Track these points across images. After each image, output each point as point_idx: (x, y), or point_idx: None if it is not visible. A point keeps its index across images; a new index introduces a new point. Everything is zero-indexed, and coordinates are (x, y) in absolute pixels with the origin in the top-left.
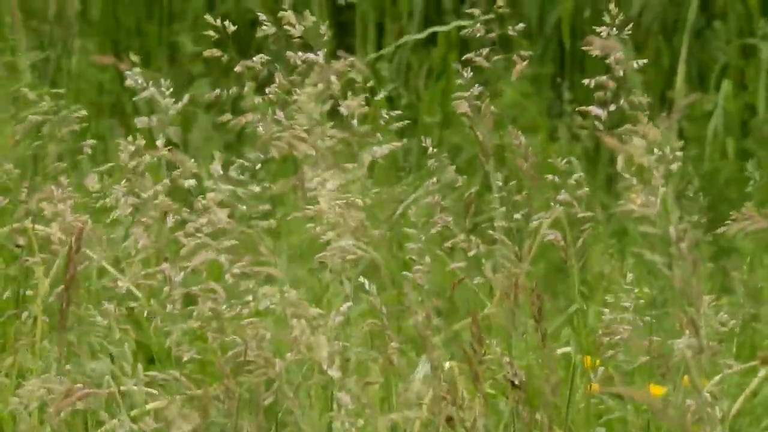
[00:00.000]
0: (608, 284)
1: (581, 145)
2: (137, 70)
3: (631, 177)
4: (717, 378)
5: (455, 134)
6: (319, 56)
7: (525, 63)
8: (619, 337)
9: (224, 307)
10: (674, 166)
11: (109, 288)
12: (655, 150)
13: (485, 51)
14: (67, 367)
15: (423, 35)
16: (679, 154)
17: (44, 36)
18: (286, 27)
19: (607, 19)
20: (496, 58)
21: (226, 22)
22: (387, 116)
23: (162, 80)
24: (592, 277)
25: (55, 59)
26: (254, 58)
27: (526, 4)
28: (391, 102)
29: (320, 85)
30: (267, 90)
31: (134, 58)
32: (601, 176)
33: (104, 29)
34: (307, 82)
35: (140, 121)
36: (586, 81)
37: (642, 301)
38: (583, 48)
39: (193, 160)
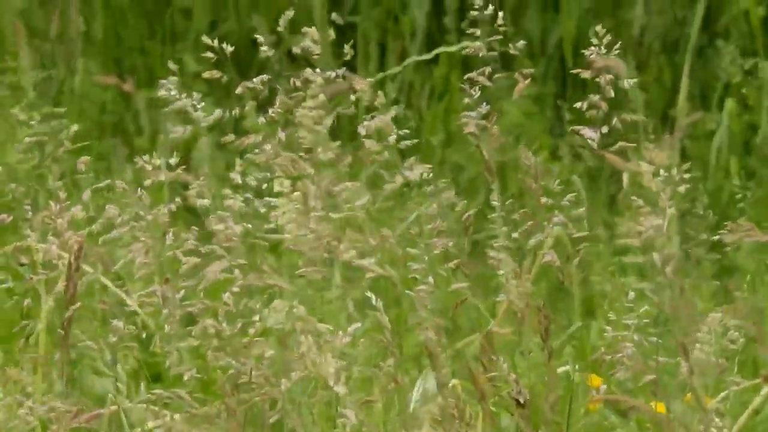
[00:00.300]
0: (610, 302)
1: (584, 163)
2: (173, 79)
3: (638, 198)
4: (720, 396)
5: (458, 153)
6: (324, 74)
7: (527, 82)
8: (620, 354)
9: (225, 325)
10: (682, 188)
11: (114, 305)
12: (662, 172)
13: (487, 70)
14: (62, 385)
15: (430, 56)
16: (686, 176)
17: (47, 55)
18: (294, 49)
19: (594, 40)
20: (497, 76)
21: (225, 44)
22: (395, 135)
23: (195, 93)
24: (594, 296)
25: (58, 78)
26: (255, 79)
27: (528, 22)
28: (395, 121)
29: (321, 97)
30: (270, 110)
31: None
32: (604, 195)
33: (107, 48)
34: (309, 93)
35: (176, 131)
36: (578, 104)
37: (645, 320)
38: (574, 72)
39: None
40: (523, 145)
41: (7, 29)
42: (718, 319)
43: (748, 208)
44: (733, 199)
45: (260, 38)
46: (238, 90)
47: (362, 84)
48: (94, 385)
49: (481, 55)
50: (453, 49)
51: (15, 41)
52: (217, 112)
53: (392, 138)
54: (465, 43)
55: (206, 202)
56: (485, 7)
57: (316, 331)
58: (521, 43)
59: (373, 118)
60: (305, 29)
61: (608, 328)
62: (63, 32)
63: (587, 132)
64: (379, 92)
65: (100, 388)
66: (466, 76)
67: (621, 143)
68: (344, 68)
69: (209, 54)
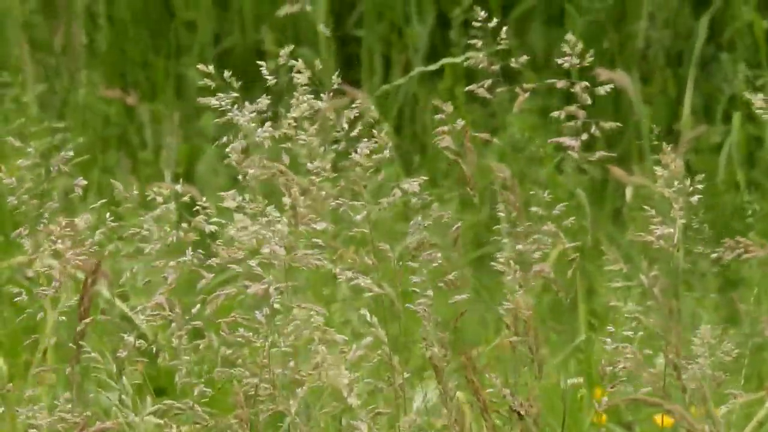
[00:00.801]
0: (615, 315)
1: (588, 176)
2: (232, 93)
3: (647, 209)
4: (724, 408)
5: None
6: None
7: (526, 95)
8: (621, 366)
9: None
10: (695, 199)
11: (120, 319)
12: (676, 183)
13: (488, 83)
14: (66, 395)
15: (435, 67)
16: (699, 186)
17: (50, 68)
18: (295, 74)
19: (566, 49)
20: (499, 90)
21: (226, 73)
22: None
23: (247, 103)
24: (600, 309)
25: (62, 92)
26: (258, 100)
27: (533, 35)
28: (398, 133)
29: (322, 113)
30: (270, 127)
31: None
32: (608, 207)
33: (110, 61)
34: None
35: (234, 149)
36: (555, 114)
37: (641, 334)
38: (547, 81)
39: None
40: (525, 159)
41: (11, 43)
42: (710, 332)
43: (756, 222)
44: (738, 213)
45: (263, 65)
46: (242, 121)
47: (363, 101)
48: (100, 398)
49: (481, 66)
50: (459, 59)
51: (19, 55)
52: (268, 125)
53: (387, 152)
54: (469, 54)
55: (213, 228)
56: (489, 20)
57: (333, 342)
58: (524, 57)
59: (372, 135)
60: (292, 62)
61: (608, 340)
62: (67, 45)
63: (567, 140)
64: (371, 107)
65: (106, 401)
66: (466, 89)
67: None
68: (348, 82)
69: (208, 81)
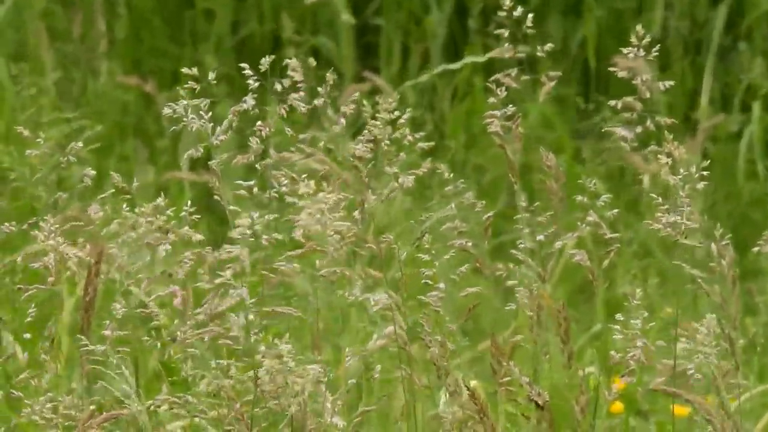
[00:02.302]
0: (630, 305)
1: (605, 165)
2: (182, 102)
3: (657, 196)
4: (742, 397)
5: (479, 155)
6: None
7: (552, 84)
8: (633, 354)
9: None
10: (700, 185)
11: (131, 308)
12: (681, 170)
13: (514, 72)
14: (74, 386)
15: (457, 65)
16: (705, 173)
17: (69, 57)
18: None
19: (634, 39)
20: (524, 78)
21: (247, 70)
22: (411, 138)
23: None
24: (616, 298)
25: (80, 80)
26: (243, 102)
27: (551, 24)
28: (415, 123)
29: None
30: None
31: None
32: (626, 197)
33: (129, 50)
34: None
35: (190, 153)
36: (612, 102)
37: (653, 324)
38: (611, 69)
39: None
40: (543, 147)
41: (29, 31)
42: (714, 322)
43: None
44: (757, 202)
45: (293, 74)
46: (230, 116)
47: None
48: (113, 387)
49: (507, 56)
50: (482, 58)
51: (37, 43)
52: (224, 125)
53: (408, 139)
54: (492, 53)
55: (200, 237)
56: (514, 8)
57: (307, 376)
58: (549, 45)
59: (394, 124)
60: (287, 61)
61: (619, 328)
62: (85, 34)
63: (621, 131)
64: (394, 96)
65: (118, 390)
66: (492, 77)
67: (653, 146)
68: (367, 70)
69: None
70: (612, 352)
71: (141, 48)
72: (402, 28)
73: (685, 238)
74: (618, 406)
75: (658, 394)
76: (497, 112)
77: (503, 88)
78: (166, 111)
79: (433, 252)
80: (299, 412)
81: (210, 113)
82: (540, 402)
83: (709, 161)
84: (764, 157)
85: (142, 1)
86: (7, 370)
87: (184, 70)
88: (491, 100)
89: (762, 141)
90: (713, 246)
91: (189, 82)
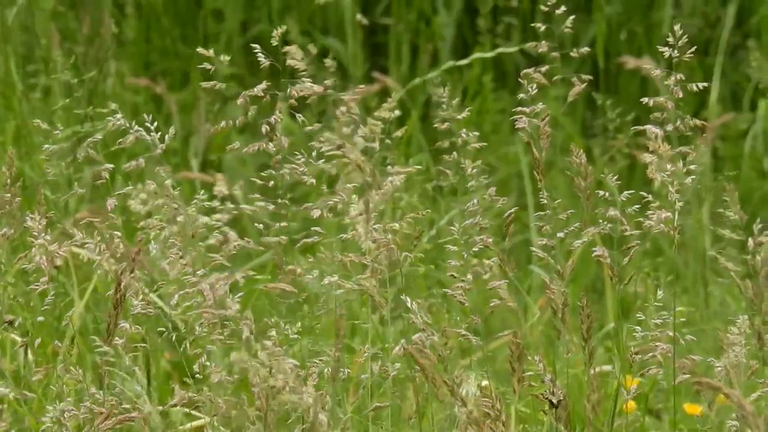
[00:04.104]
0: (642, 304)
1: (616, 164)
2: (118, 115)
3: (651, 194)
4: (754, 395)
5: (490, 154)
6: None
7: (584, 86)
8: (651, 355)
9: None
10: (688, 180)
11: (146, 308)
12: (668, 166)
13: (544, 68)
14: (93, 389)
15: (466, 61)
16: (692, 167)
17: (79, 57)
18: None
19: (670, 39)
20: (556, 78)
21: (260, 55)
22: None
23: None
24: (628, 297)
25: (90, 81)
26: (255, 88)
27: (560, 23)
28: (424, 122)
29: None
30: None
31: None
32: (636, 196)
33: (138, 51)
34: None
35: (128, 165)
36: (645, 100)
37: (679, 320)
38: (644, 67)
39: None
40: (573, 144)
41: (39, 31)
42: (747, 322)
43: None
44: (765, 200)
45: (291, 48)
46: (239, 101)
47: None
48: (126, 387)
49: (540, 51)
50: (490, 54)
51: (47, 44)
52: (171, 133)
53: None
54: (501, 49)
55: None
56: (556, 6)
57: (284, 371)
58: (585, 49)
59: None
60: (287, 48)
61: (638, 328)
62: (95, 34)
63: (652, 129)
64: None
65: (132, 390)
66: (523, 71)
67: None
68: (377, 70)
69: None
70: (632, 350)
71: (151, 49)
72: (411, 28)
73: (679, 234)
74: (630, 405)
75: (670, 393)
76: (526, 108)
77: (534, 85)
78: (109, 124)
79: (461, 245)
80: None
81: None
82: (554, 401)
83: (716, 161)
84: None
85: (152, 2)
86: (18, 371)
87: (199, 49)
88: (520, 96)
89: (767, 139)
90: (750, 240)
91: (203, 63)
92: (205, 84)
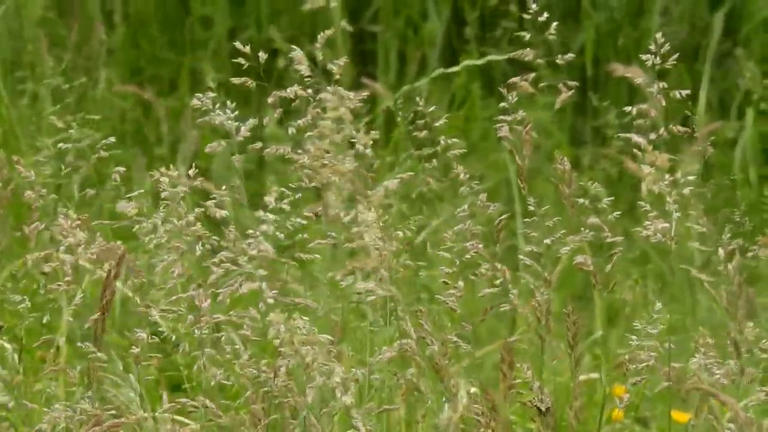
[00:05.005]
0: (631, 311)
1: (603, 171)
2: (210, 94)
3: (646, 203)
4: (743, 402)
5: (477, 162)
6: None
7: (571, 93)
8: (645, 365)
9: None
10: (686, 191)
11: (135, 315)
12: (667, 176)
13: (530, 76)
14: (88, 394)
15: (456, 69)
16: (690, 178)
17: (67, 63)
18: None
19: (653, 47)
20: (542, 84)
21: (260, 53)
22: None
23: (228, 102)
24: (615, 304)
25: (79, 87)
26: (288, 89)
27: (547, 30)
28: (411, 129)
29: (342, 110)
30: (300, 121)
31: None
32: (624, 203)
33: (126, 58)
34: (328, 107)
35: (210, 147)
36: (628, 108)
37: (662, 326)
38: (628, 75)
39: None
40: (541, 154)
41: (27, 38)
42: (750, 328)
43: None
44: (754, 208)
45: (296, 54)
46: (270, 100)
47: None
48: (115, 394)
49: (527, 59)
50: (480, 62)
51: (34, 50)
52: (250, 122)
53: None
54: (491, 57)
55: (224, 213)
56: (540, 13)
57: (318, 342)
58: (569, 55)
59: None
60: (292, 54)
61: (633, 336)
62: (83, 42)
63: (635, 137)
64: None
65: (121, 397)
66: (509, 80)
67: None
68: (364, 77)
69: (240, 60)
70: (625, 358)
71: (139, 55)
72: (399, 36)
73: (676, 244)
74: (618, 413)
75: (658, 401)
76: (508, 117)
77: (514, 94)
78: (195, 102)
79: (454, 251)
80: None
81: (236, 112)
82: (542, 408)
83: (699, 167)
84: (757, 163)
85: (140, 9)
86: (6, 377)
87: (237, 44)
88: (502, 104)
89: (755, 147)
90: (720, 250)
91: (238, 57)
92: (235, 80)
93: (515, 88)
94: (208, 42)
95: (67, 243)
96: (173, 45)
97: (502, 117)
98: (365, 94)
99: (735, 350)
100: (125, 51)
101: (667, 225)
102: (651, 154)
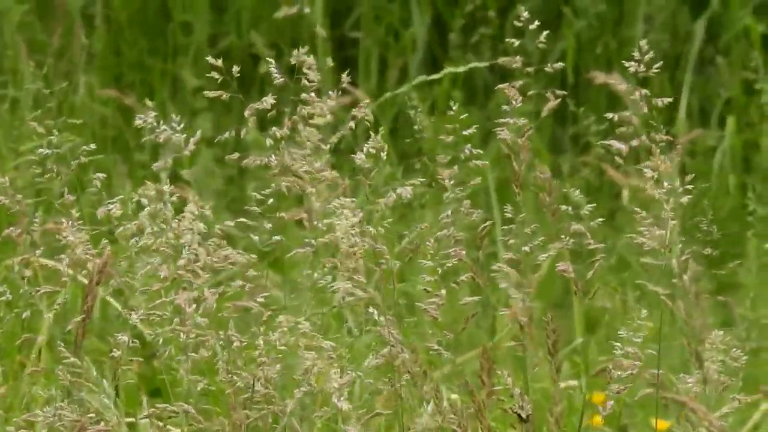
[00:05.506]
0: (610, 318)
1: (584, 178)
2: (152, 114)
3: (641, 210)
4: (720, 411)
5: (459, 169)
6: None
7: (557, 101)
8: (629, 372)
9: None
10: (684, 200)
11: (116, 320)
12: (665, 183)
13: (518, 84)
14: (64, 402)
15: (438, 76)
16: (689, 187)
17: (48, 69)
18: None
19: (636, 54)
20: (530, 93)
21: (227, 64)
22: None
23: (173, 115)
24: (595, 311)
25: (59, 93)
26: (263, 100)
27: (529, 37)
28: (393, 137)
29: (328, 116)
30: (276, 130)
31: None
32: (604, 210)
33: (107, 63)
34: (313, 112)
35: (157, 166)
36: (609, 115)
37: (644, 334)
38: (610, 82)
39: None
40: (538, 160)
41: (7, 43)
42: (720, 337)
43: (756, 223)
44: (734, 215)
45: (271, 65)
46: (246, 113)
47: (363, 108)
48: (93, 399)
49: (514, 66)
50: (462, 69)
51: (14, 55)
52: (198, 135)
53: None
54: (474, 64)
55: (203, 227)
56: (531, 21)
57: (319, 348)
58: (559, 64)
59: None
60: (305, 58)
61: (617, 344)
62: (64, 47)
63: (616, 144)
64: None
65: (98, 403)
66: (497, 87)
67: (647, 162)
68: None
69: (214, 74)
70: (609, 367)
71: (120, 61)
72: (380, 42)
73: (669, 251)
74: (597, 419)
75: (638, 408)
76: (510, 120)
77: (519, 98)
78: (137, 122)
79: (437, 258)
80: (307, 394)
81: (182, 124)
82: (523, 415)
83: (693, 176)
84: (739, 172)
85: (121, 14)
86: None
87: (209, 59)
88: (504, 107)
89: (735, 155)
90: (674, 262)
91: (212, 72)
92: (209, 93)
93: (505, 94)
94: (189, 48)
95: (70, 241)
96: (154, 51)
97: (501, 120)
98: (346, 100)
99: (697, 360)
100: (106, 56)
101: (663, 232)
102: (657, 159)
